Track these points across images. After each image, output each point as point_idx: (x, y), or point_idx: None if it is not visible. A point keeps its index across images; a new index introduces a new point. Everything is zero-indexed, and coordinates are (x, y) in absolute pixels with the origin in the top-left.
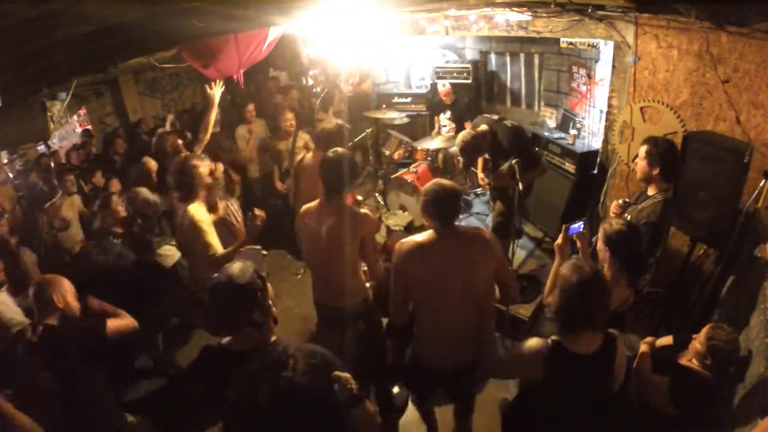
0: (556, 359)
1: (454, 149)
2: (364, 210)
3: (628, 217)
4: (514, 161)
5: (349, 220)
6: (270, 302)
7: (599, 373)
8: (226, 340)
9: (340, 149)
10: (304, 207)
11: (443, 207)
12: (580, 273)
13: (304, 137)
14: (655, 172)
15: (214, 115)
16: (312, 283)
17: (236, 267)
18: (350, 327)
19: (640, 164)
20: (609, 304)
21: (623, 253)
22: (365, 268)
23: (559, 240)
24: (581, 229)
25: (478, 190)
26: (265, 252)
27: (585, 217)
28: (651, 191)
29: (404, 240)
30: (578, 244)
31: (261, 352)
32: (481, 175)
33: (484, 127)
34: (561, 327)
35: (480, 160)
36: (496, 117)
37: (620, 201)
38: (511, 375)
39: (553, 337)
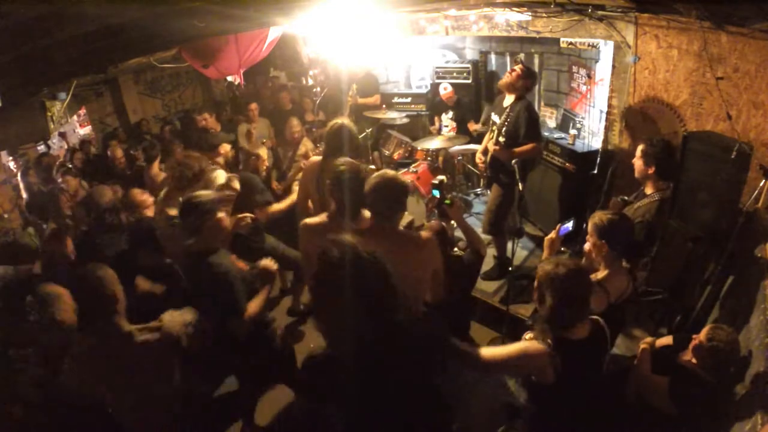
0: (560, 351)
1: (454, 149)
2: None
3: None
4: (513, 162)
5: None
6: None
7: (594, 354)
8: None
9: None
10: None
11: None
12: (563, 268)
13: (307, 145)
14: (651, 170)
15: None
16: None
17: None
18: None
19: (637, 163)
20: (590, 293)
21: (620, 242)
22: None
23: (552, 235)
24: (570, 229)
25: (478, 190)
26: None
27: (573, 217)
28: (648, 190)
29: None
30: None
31: None
32: (479, 155)
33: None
34: (556, 326)
35: (485, 141)
36: None
37: (618, 198)
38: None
39: (549, 341)
